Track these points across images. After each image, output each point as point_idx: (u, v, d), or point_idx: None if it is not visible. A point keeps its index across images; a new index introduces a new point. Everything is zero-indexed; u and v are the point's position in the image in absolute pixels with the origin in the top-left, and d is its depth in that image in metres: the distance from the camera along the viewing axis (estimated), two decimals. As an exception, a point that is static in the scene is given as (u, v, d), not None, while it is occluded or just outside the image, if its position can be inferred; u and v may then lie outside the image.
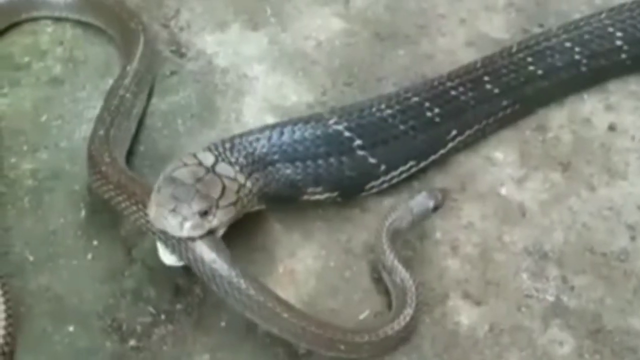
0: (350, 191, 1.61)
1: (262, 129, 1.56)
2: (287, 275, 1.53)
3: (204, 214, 1.33)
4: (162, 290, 1.50)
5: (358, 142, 1.57)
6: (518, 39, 1.89)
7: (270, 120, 1.80)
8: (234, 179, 1.42)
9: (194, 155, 1.44)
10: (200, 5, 2.12)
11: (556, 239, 1.54)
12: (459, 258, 1.53)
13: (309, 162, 1.55)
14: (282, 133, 1.54)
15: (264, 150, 1.52)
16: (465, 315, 1.45)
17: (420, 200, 1.51)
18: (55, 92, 1.88)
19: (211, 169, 1.41)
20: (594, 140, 1.72)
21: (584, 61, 1.77)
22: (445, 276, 1.51)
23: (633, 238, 1.53)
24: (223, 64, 1.96)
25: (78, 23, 2.05)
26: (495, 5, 2.08)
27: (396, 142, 1.60)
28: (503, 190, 1.65)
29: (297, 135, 1.55)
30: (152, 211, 1.34)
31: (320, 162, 1.56)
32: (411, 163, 1.63)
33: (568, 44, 1.76)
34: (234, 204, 1.39)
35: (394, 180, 1.63)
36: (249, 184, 1.45)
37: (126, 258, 1.55)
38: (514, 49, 1.75)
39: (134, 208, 1.47)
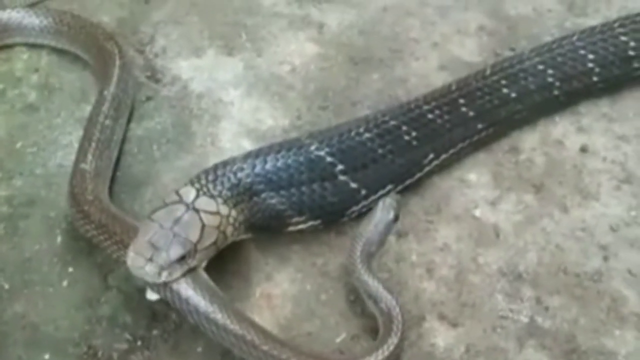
0: (332, 218, 1.62)
1: (244, 158, 1.55)
2: (264, 299, 1.53)
3: (181, 259, 1.34)
4: (138, 316, 1.49)
5: (340, 167, 1.58)
6: (490, 63, 1.92)
7: (246, 144, 1.81)
8: (216, 213, 1.42)
9: (176, 192, 1.44)
10: (175, 31, 2.14)
11: (530, 260, 1.56)
12: (435, 280, 1.54)
13: (293, 190, 1.55)
14: (265, 162, 1.54)
15: (249, 180, 1.52)
16: (441, 337, 1.46)
17: (381, 217, 1.51)
18: (30, 119, 1.89)
19: (191, 206, 1.41)
20: (566, 162, 1.74)
21: (557, 84, 1.79)
22: (421, 298, 1.52)
23: (606, 258, 1.54)
24: (198, 89, 1.97)
25: (53, 50, 2.06)
26: (467, 30, 2.11)
27: (375, 166, 1.62)
28: (477, 212, 1.66)
29: (281, 163, 1.55)
30: (130, 259, 1.33)
31: (304, 189, 1.56)
32: (390, 187, 1.64)
33: (541, 67, 1.78)
34: (214, 242, 1.40)
35: (373, 205, 1.62)
36: (234, 213, 1.46)
37: (102, 284, 1.55)
38: (488, 72, 1.77)
39: (115, 247, 1.47)
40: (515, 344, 1.44)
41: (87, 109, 1.87)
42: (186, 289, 1.35)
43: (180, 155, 1.81)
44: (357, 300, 1.51)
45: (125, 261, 1.35)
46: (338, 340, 1.46)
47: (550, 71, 1.78)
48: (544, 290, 1.51)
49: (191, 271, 1.37)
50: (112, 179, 1.74)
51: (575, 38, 1.82)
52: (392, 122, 1.64)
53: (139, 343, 1.46)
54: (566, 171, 1.72)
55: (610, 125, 1.81)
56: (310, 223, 1.59)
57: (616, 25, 1.83)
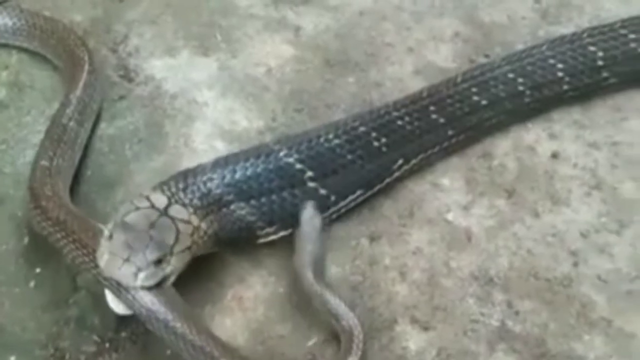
0: None
1: (214, 167, 1.53)
2: (236, 301, 1.52)
3: (158, 262, 1.31)
4: (106, 318, 1.48)
5: (309, 173, 1.57)
6: (464, 69, 1.93)
7: (220, 145, 1.80)
8: (188, 222, 1.40)
9: (146, 197, 1.41)
10: (149, 31, 2.12)
11: (501, 265, 1.56)
12: (408, 283, 1.54)
13: (263, 199, 1.54)
14: (235, 171, 1.52)
15: (219, 190, 1.50)
16: (413, 340, 1.45)
17: (311, 229, 1.51)
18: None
19: (164, 212, 1.39)
20: (538, 168, 1.75)
21: (527, 92, 1.80)
22: (393, 301, 1.51)
23: (576, 264, 1.55)
24: (172, 89, 1.95)
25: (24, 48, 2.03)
26: (442, 36, 2.11)
27: (345, 172, 1.61)
28: (450, 216, 1.66)
29: (250, 171, 1.53)
30: (104, 260, 1.30)
31: (274, 197, 1.54)
32: (359, 192, 1.63)
33: (511, 75, 1.79)
34: (189, 248, 1.38)
35: (342, 210, 1.63)
36: (203, 226, 1.44)
37: (70, 285, 1.53)
38: (459, 79, 1.77)
39: (72, 247, 1.44)
40: (486, 347, 1.44)
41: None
42: (153, 297, 1.32)
43: (152, 155, 1.79)
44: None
45: (96, 263, 1.32)
46: (310, 343, 1.45)
47: (520, 79, 1.79)
48: (514, 295, 1.51)
49: (165, 280, 1.34)
50: (83, 179, 1.73)
51: (545, 47, 1.83)
52: (362, 128, 1.64)
53: (107, 345, 1.45)
54: (538, 177, 1.73)
55: (581, 132, 1.82)
56: (281, 233, 1.57)
57: (585, 35, 1.85)
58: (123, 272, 1.29)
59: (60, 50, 1.94)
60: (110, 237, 1.33)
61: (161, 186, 1.46)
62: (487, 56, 2.03)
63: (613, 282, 1.52)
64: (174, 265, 1.35)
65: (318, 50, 2.08)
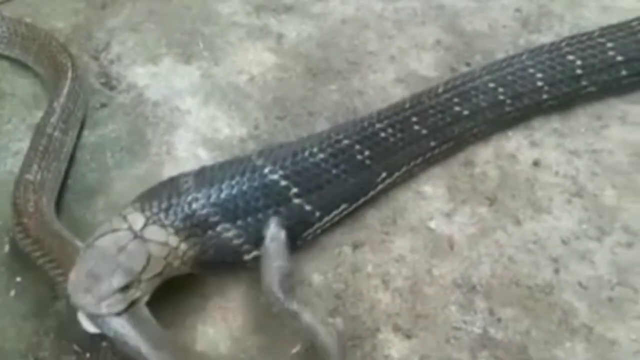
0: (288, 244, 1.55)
1: (198, 186, 1.48)
2: (218, 312, 1.51)
3: (124, 288, 1.30)
4: (87, 327, 1.46)
5: (294, 190, 1.55)
6: (446, 77, 1.94)
7: (202, 153, 1.81)
8: (165, 244, 1.38)
9: (124, 217, 1.40)
10: (131, 38, 2.12)
11: (483, 272, 1.57)
12: (390, 291, 1.54)
13: (249, 219, 1.50)
14: (221, 190, 1.49)
15: (204, 211, 1.46)
16: (395, 348, 1.45)
17: (277, 246, 1.47)
18: (-20, 124, 1.85)
19: (139, 234, 1.37)
20: (519, 176, 1.76)
21: (508, 101, 1.80)
22: (376, 309, 1.51)
23: (557, 271, 1.56)
24: (154, 97, 1.95)
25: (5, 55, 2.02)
26: (424, 44, 2.12)
27: (329, 186, 1.59)
28: (432, 224, 1.67)
29: (236, 190, 1.50)
30: (70, 286, 1.30)
31: (260, 216, 1.51)
32: (343, 206, 1.62)
33: (492, 85, 1.79)
34: (159, 274, 1.36)
35: (327, 225, 1.62)
36: (183, 247, 1.42)
37: (50, 295, 1.52)
38: (441, 90, 1.77)
39: (50, 265, 1.44)
40: (469, 355, 1.44)
41: (39, 115, 1.84)
42: (122, 322, 1.31)
43: (134, 163, 1.79)
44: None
45: (65, 287, 1.31)
46: (293, 351, 1.44)
47: (501, 89, 1.80)
48: (496, 302, 1.52)
49: (134, 304, 1.33)
50: (64, 188, 1.72)
51: (524, 57, 1.84)
52: (346, 141, 1.62)
53: (88, 355, 1.43)
54: (519, 184, 1.74)
55: (562, 140, 1.83)
56: None
57: (563, 44, 1.86)
58: (87, 301, 1.28)
59: (42, 58, 1.94)
60: (80, 261, 1.32)
61: (142, 205, 1.43)
62: (468, 64, 2.05)
63: (594, 289, 1.52)
64: (142, 291, 1.34)
65: (300, 58, 2.08)
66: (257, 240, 1.51)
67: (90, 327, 1.34)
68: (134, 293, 1.32)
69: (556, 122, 1.88)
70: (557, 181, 1.74)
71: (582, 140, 1.83)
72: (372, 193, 1.67)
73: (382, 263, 1.60)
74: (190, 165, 1.76)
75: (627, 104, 1.90)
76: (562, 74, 1.83)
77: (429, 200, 1.72)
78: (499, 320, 1.49)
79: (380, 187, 1.68)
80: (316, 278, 1.57)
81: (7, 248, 1.58)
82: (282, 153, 1.58)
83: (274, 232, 1.49)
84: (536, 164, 1.78)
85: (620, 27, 1.90)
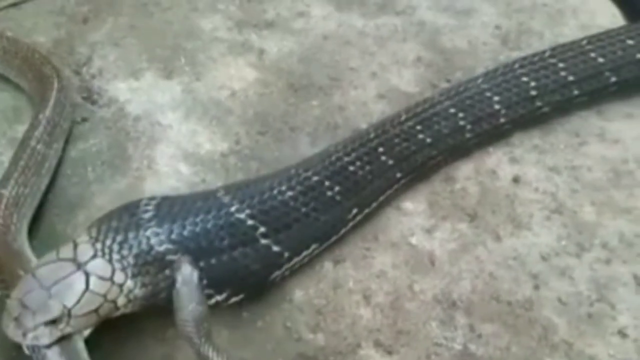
0: (254, 288, 1.52)
1: (160, 220, 1.41)
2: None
3: (52, 322, 1.27)
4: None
5: (262, 229, 1.48)
6: (427, 93, 1.96)
7: (183, 168, 1.80)
8: (108, 280, 1.33)
9: (75, 246, 1.35)
10: (112, 53, 2.12)
11: (464, 288, 1.58)
12: (371, 307, 1.55)
13: (213, 261, 1.43)
14: (183, 227, 1.41)
15: (162, 249, 1.39)
16: (376, 364, 1.46)
17: (189, 289, 1.34)
18: (-40, 137, 1.84)
19: (82, 266, 1.32)
20: (499, 192, 1.77)
21: (468, 127, 1.79)
22: (357, 325, 1.52)
23: (537, 287, 1.57)
24: (136, 112, 1.95)
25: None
26: (405, 60, 2.14)
27: (298, 225, 1.53)
28: (413, 240, 1.68)
29: (200, 228, 1.43)
30: (4, 312, 1.28)
31: (224, 258, 1.45)
32: (314, 246, 1.57)
33: (452, 110, 1.78)
34: (96, 310, 1.31)
35: (296, 266, 1.57)
36: (130, 284, 1.36)
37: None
38: (403, 117, 1.75)
39: (1, 286, 1.43)
40: (450, 371, 1.46)
41: (20, 129, 1.84)
42: (50, 354, 1.29)
43: (115, 178, 1.78)
44: (293, 326, 1.51)
45: None
46: (275, 366, 1.45)
47: (461, 114, 1.79)
48: (477, 318, 1.52)
49: (65, 338, 1.30)
50: (44, 201, 1.71)
51: (480, 80, 1.85)
52: (315, 178, 1.57)
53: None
54: (499, 201, 1.75)
55: (541, 156, 1.85)
56: (233, 300, 1.49)
57: (516, 66, 1.87)
58: (12, 331, 1.27)
59: (26, 71, 1.92)
60: (16, 289, 1.30)
61: (97, 235, 1.37)
62: (448, 81, 2.07)
63: (574, 305, 1.54)
64: (74, 327, 1.30)
65: (282, 73, 2.09)
66: (220, 285, 1.45)
67: (25, 348, 1.32)
68: (64, 327, 1.29)
69: (536, 138, 1.90)
70: (537, 197, 1.75)
71: (562, 156, 1.85)
72: (343, 230, 1.63)
73: (363, 279, 1.60)
74: (172, 181, 1.78)
75: (604, 121, 1.93)
76: (517, 96, 1.84)
77: (410, 216, 1.73)
78: (480, 336, 1.49)
79: (351, 224, 1.64)
80: (297, 293, 1.57)
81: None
82: (250, 190, 1.52)
83: (186, 274, 1.35)
84: (516, 180, 1.79)
85: (570, 46, 1.93)
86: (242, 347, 1.48)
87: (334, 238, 1.62)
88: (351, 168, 1.63)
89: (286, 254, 1.52)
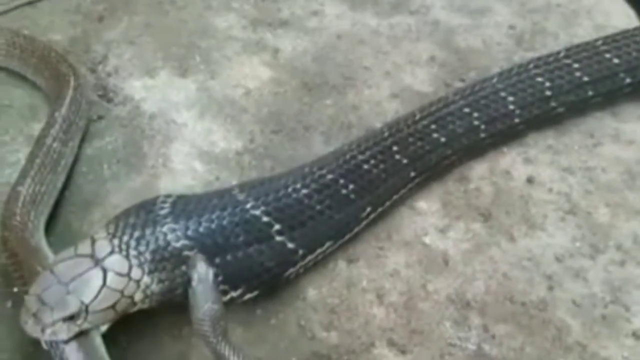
0: (269, 285, 1.53)
1: (176, 217, 1.42)
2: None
3: (70, 318, 1.28)
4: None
5: (277, 227, 1.49)
6: (440, 93, 1.97)
7: (198, 166, 1.81)
8: (126, 275, 1.34)
9: (92, 242, 1.36)
10: (128, 51, 2.13)
11: (478, 288, 1.58)
12: (385, 306, 1.55)
13: (228, 257, 1.45)
14: (199, 223, 1.43)
15: (178, 245, 1.40)
16: (390, 364, 1.47)
17: (205, 287, 1.36)
18: (-23, 135, 1.85)
19: (100, 262, 1.33)
20: (514, 192, 1.77)
21: (482, 127, 1.80)
22: (371, 324, 1.52)
23: (551, 288, 1.57)
24: (151, 110, 1.96)
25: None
26: (418, 60, 2.14)
27: (313, 223, 1.54)
28: (427, 239, 1.68)
29: (215, 224, 1.44)
30: (23, 308, 1.29)
31: (240, 254, 1.46)
32: (328, 244, 1.58)
33: (467, 110, 1.79)
34: (113, 306, 1.32)
35: (310, 264, 1.58)
36: (147, 280, 1.37)
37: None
38: (418, 117, 1.75)
39: (20, 282, 1.44)
40: (463, 371, 1.46)
41: (36, 127, 1.85)
42: (68, 349, 1.31)
43: (131, 175, 1.79)
44: (307, 324, 1.51)
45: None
46: (287, 365, 1.46)
47: (475, 114, 1.79)
48: (491, 319, 1.53)
49: (83, 333, 1.31)
50: (60, 199, 1.72)
51: (495, 80, 1.85)
52: (330, 176, 1.58)
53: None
54: (513, 201, 1.75)
55: (556, 157, 1.85)
56: (248, 296, 1.50)
57: (531, 66, 1.87)
58: (30, 326, 1.28)
59: (42, 69, 1.94)
60: (34, 284, 1.31)
61: (114, 231, 1.38)
62: (462, 80, 2.07)
63: (588, 307, 1.54)
64: (92, 322, 1.31)
65: (296, 72, 2.09)
66: (236, 281, 1.46)
67: (43, 343, 1.34)
68: (82, 323, 1.30)
69: (550, 139, 1.90)
70: (551, 198, 1.75)
71: (576, 157, 1.85)
72: (357, 229, 1.64)
73: (376, 278, 1.60)
74: (187, 179, 1.78)
75: (619, 122, 1.93)
76: (532, 97, 1.84)
77: (424, 215, 1.73)
78: (493, 336, 1.50)
79: (364, 222, 1.65)
80: (311, 292, 1.58)
81: (3, 259, 1.57)
82: (265, 188, 1.53)
83: (202, 272, 1.37)
84: (530, 180, 1.79)
85: (585, 47, 1.92)
86: (255, 345, 1.49)
87: (347, 236, 1.63)
88: (365, 167, 1.63)
89: (300, 252, 1.53)
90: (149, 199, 1.51)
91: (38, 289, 1.30)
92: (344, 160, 1.62)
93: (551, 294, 1.56)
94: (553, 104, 1.87)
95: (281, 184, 1.55)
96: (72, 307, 1.28)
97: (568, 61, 1.88)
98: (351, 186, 1.60)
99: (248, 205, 1.48)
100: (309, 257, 1.56)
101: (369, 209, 1.64)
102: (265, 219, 1.49)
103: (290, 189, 1.54)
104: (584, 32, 2.21)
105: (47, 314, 1.27)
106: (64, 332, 1.29)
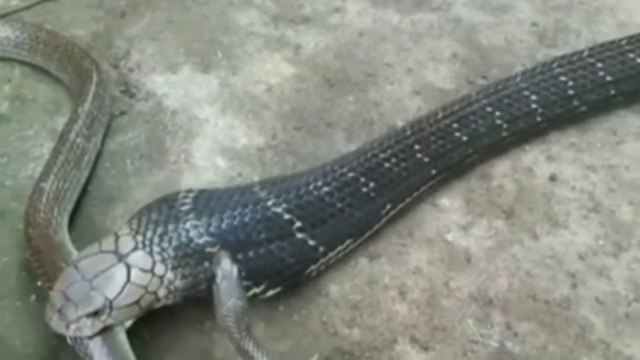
0: (291, 282, 1.53)
1: (198, 214, 1.43)
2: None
3: (94, 314, 1.29)
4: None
5: (298, 224, 1.50)
6: (463, 90, 1.96)
7: (220, 162, 1.82)
8: (149, 272, 1.35)
9: (116, 238, 1.37)
10: (150, 47, 2.14)
11: (500, 286, 1.57)
12: (407, 303, 1.55)
13: (250, 253, 1.45)
14: (221, 220, 1.44)
15: (201, 241, 1.41)
16: (412, 360, 1.47)
17: (229, 283, 1.36)
18: (1, 129, 1.87)
19: (123, 258, 1.34)
20: (536, 190, 1.76)
21: (505, 125, 1.79)
22: (393, 321, 1.52)
23: (574, 286, 1.57)
24: (173, 105, 1.97)
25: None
26: (441, 57, 2.14)
27: (334, 220, 1.55)
28: (449, 237, 1.68)
29: (237, 221, 1.44)
30: (47, 303, 1.31)
31: (261, 251, 1.46)
32: (348, 241, 1.59)
33: (489, 109, 1.78)
34: (137, 301, 1.33)
35: (331, 262, 1.58)
36: (170, 276, 1.38)
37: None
38: (440, 115, 1.75)
39: (44, 278, 1.45)
40: (486, 368, 1.46)
41: (60, 121, 1.87)
42: (93, 345, 1.32)
43: (153, 171, 1.80)
44: (329, 321, 1.52)
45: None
46: (310, 361, 1.46)
47: (498, 113, 1.78)
48: (513, 316, 1.52)
49: (107, 329, 1.32)
50: (84, 193, 1.73)
51: (518, 79, 1.84)
52: (351, 174, 1.58)
53: None
54: (536, 199, 1.75)
55: (578, 155, 1.84)
56: (270, 292, 1.51)
57: (555, 65, 1.86)
58: (55, 322, 1.29)
59: (65, 64, 1.95)
60: (59, 280, 1.33)
61: (138, 227, 1.39)
62: (484, 78, 2.06)
63: (611, 305, 1.53)
64: (116, 318, 1.32)
65: (318, 69, 2.09)
66: (258, 277, 1.47)
67: (68, 339, 1.35)
68: (106, 319, 1.31)
69: (573, 136, 1.89)
70: (574, 196, 1.75)
71: (599, 155, 1.84)
72: (376, 226, 1.65)
73: (399, 275, 1.60)
74: (209, 175, 1.79)
75: (642, 120, 1.92)
76: (555, 96, 1.84)
77: (446, 212, 1.73)
78: (516, 334, 1.49)
79: (384, 219, 1.65)
80: (333, 288, 1.58)
81: (27, 252, 1.59)
82: (286, 186, 1.54)
83: (226, 268, 1.37)
84: (553, 178, 1.79)
85: (609, 46, 1.91)
86: (278, 341, 1.49)
87: (367, 234, 1.63)
88: (386, 165, 1.64)
89: (321, 249, 1.54)
90: (171, 193, 1.52)
91: (63, 285, 1.31)
92: (365, 159, 1.63)
93: (574, 292, 1.56)
94: (576, 102, 1.86)
95: (302, 182, 1.55)
96: (97, 303, 1.29)
97: (592, 60, 1.87)
98: (372, 184, 1.60)
99: (269, 203, 1.49)
100: (330, 255, 1.57)
101: (388, 206, 1.64)
102: (286, 216, 1.49)
103: (311, 187, 1.54)
104: (606, 30, 2.20)
105: (71, 310, 1.28)
106: (88, 328, 1.30)
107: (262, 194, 1.50)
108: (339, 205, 1.56)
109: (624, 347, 1.46)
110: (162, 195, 1.53)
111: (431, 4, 2.32)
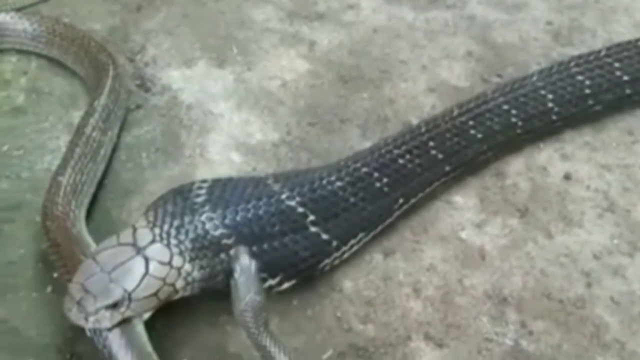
0: (305, 275, 1.54)
1: (213, 206, 1.44)
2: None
3: (113, 306, 1.30)
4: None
5: (311, 217, 1.51)
6: (477, 88, 1.96)
7: (235, 157, 1.82)
8: (167, 264, 1.35)
9: (134, 231, 1.38)
10: (166, 41, 2.14)
11: (515, 284, 1.58)
12: (421, 300, 1.55)
13: (265, 246, 1.46)
14: (236, 212, 1.44)
15: (217, 233, 1.42)
16: (426, 357, 1.46)
17: (247, 278, 1.37)
18: (17, 122, 1.88)
19: (141, 251, 1.34)
20: (550, 188, 1.76)
21: (520, 123, 1.79)
22: (407, 317, 1.52)
23: (589, 285, 1.57)
24: (189, 100, 1.97)
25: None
26: (455, 54, 2.14)
27: (347, 215, 1.56)
28: (463, 234, 1.68)
29: (252, 214, 1.45)
30: (66, 296, 1.31)
31: (275, 243, 1.47)
32: (361, 235, 1.59)
33: (505, 107, 1.78)
34: (156, 293, 1.34)
35: (345, 255, 1.59)
36: (188, 267, 1.38)
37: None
38: (456, 112, 1.75)
39: (62, 271, 1.46)
40: (500, 366, 1.46)
41: (76, 114, 1.88)
42: (111, 337, 1.33)
43: (168, 164, 1.81)
44: (343, 316, 1.52)
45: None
46: (325, 357, 1.46)
47: (514, 111, 1.79)
48: (528, 315, 1.52)
49: (126, 321, 1.33)
50: (101, 186, 1.74)
51: (535, 78, 1.84)
52: (364, 169, 1.59)
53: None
54: (550, 197, 1.75)
55: (593, 154, 1.84)
56: (285, 285, 1.51)
57: (572, 65, 1.86)
58: (74, 314, 1.30)
59: (82, 57, 1.96)
60: (77, 273, 1.33)
61: (154, 220, 1.40)
62: (499, 76, 2.06)
63: (626, 304, 1.53)
64: (134, 310, 1.33)
65: (332, 65, 2.10)
66: (273, 269, 1.48)
67: (86, 331, 1.36)
68: (125, 311, 1.32)
69: (587, 135, 1.89)
70: (589, 195, 1.74)
71: (614, 154, 1.84)
72: (389, 220, 1.65)
73: (413, 271, 1.61)
74: (223, 169, 1.80)
75: (658, 120, 1.92)
76: (571, 95, 1.84)
77: (460, 210, 1.73)
78: (531, 332, 1.49)
79: (396, 213, 1.66)
80: (347, 284, 1.59)
81: (44, 245, 1.60)
82: (299, 179, 1.55)
83: (244, 263, 1.39)
84: (567, 177, 1.79)
85: (626, 46, 1.91)
86: (292, 336, 1.50)
87: (380, 227, 1.64)
88: (400, 161, 1.64)
89: (334, 243, 1.55)
90: (185, 184, 1.52)
91: (81, 277, 1.32)
92: (379, 154, 1.63)
93: (589, 291, 1.56)
94: (591, 102, 1.86)
95: (316, 176, 1.56)
96: (115, 295, 1.30)
97: (609, 60, 1.87)
98: (385, 179, 1.61)
99: (283, 196, 1.50)
100: (343, 249, 1.57)
101: (401, 201, 1.65)
102: (300, 209, 1.50)
103: (324, 181, 1.55)
104: (622, 29, 2.20)
105: (90, 302, 1.29)
106: (107, 319, 1.31)
107: (276, 187, 1.51)
108: (352, 199, 1.57)
109: (639, 346, 1.46)
110: (176, 185, 1.53)
111: (446, 2, 2.33)
